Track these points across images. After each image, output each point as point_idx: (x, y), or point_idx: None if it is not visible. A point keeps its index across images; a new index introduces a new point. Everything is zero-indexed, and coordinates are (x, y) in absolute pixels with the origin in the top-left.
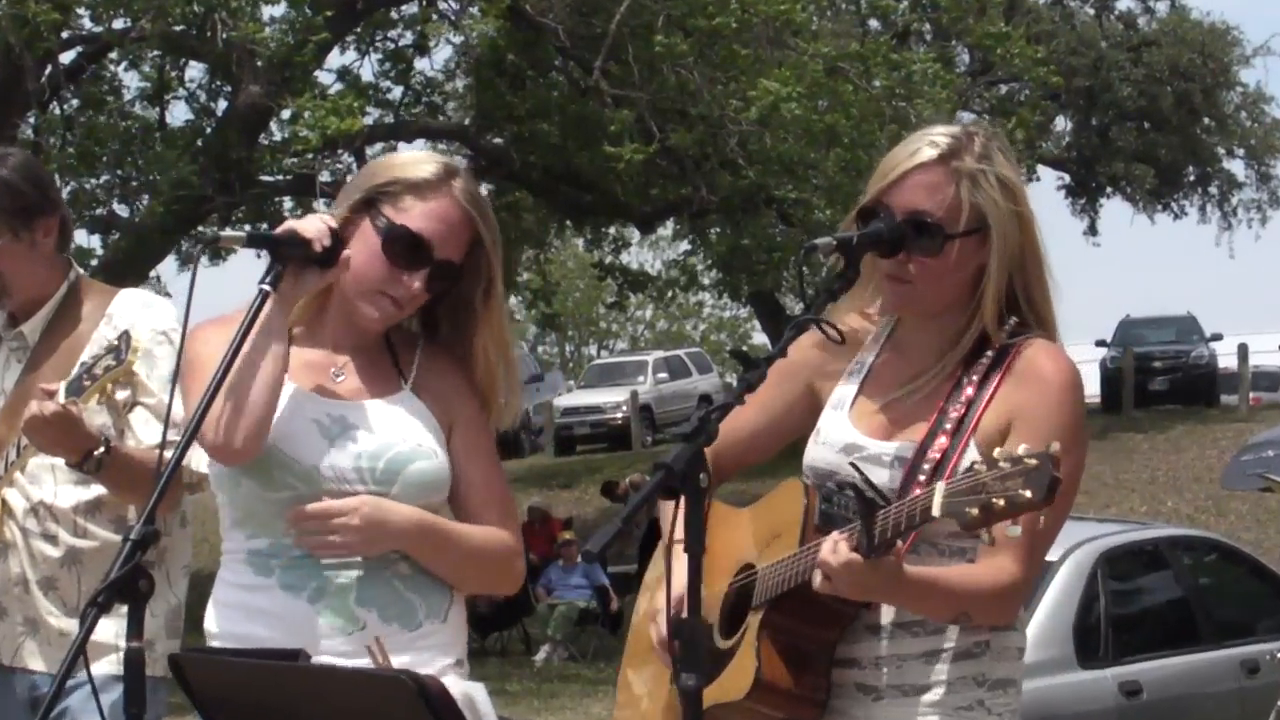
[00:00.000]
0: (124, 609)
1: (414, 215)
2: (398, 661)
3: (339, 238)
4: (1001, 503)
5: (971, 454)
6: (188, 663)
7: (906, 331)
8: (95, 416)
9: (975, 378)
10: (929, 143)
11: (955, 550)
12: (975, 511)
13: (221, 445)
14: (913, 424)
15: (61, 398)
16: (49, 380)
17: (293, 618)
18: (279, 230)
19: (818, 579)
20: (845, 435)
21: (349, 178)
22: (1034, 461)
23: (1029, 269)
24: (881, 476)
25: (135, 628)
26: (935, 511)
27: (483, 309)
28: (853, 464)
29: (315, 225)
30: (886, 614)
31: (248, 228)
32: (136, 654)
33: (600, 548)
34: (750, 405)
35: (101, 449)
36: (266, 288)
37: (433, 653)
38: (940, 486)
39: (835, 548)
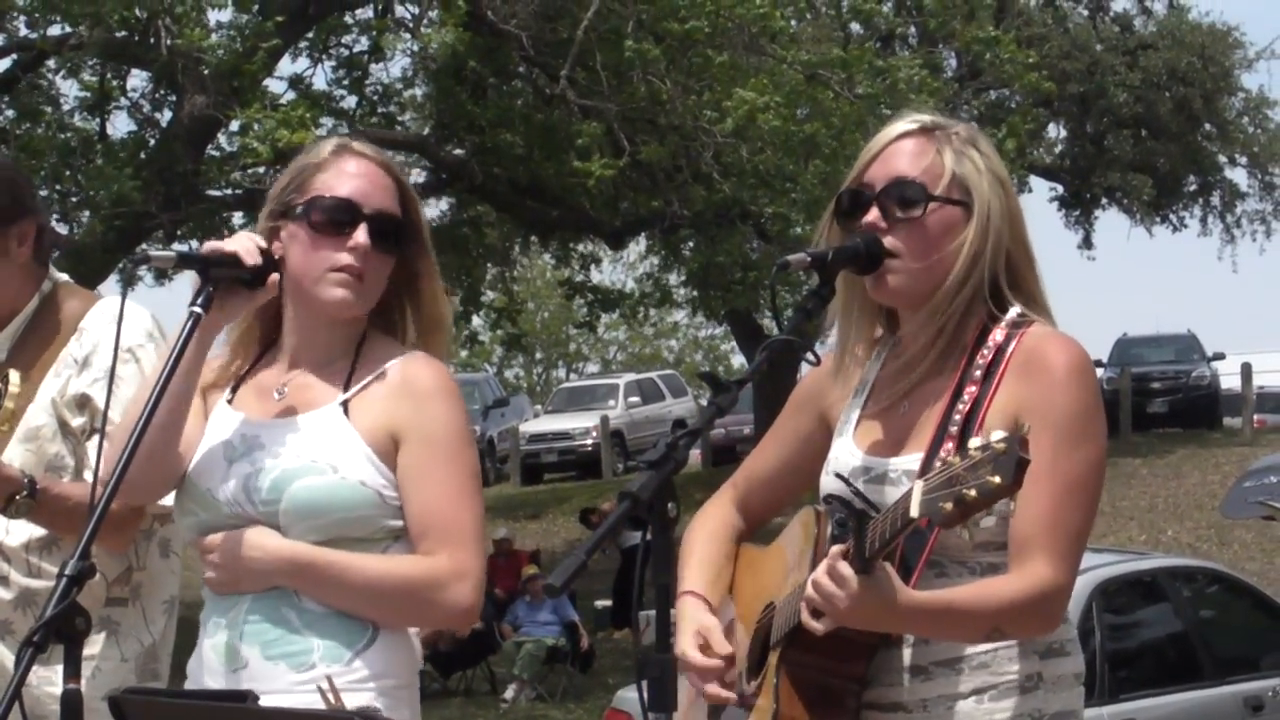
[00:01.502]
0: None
1: (328, 183)
2: (282, 702)
3: (270, 256)
4: (973, 493)
5: None
6: (128, 705)
7: (904, 342)
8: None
9: (978, 374)
10: (910, 119)
11: (987, 567)
12: (949, 506)
13: (101, 483)
14: (919, 434)
15: None
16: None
17: (200, 651)
18: (206, 249)
19: (804, 613)
20: (851, 459)
21: None
22: (1002, 445)
23: (1017, 255)
24: (894, 495)
25: (72, 668)
26: (914, 512)
27: (424, 263)
28: (839, 475)
29: (243, 243)
30: (921, 653)
31: (176, 246)
32: (73, 696)
33: (563, 582)
34: (770, 443)
35: (24, 493)
36: (198, 310)
37: (320, 697)
38: (919, 485)
39: (831, 569)
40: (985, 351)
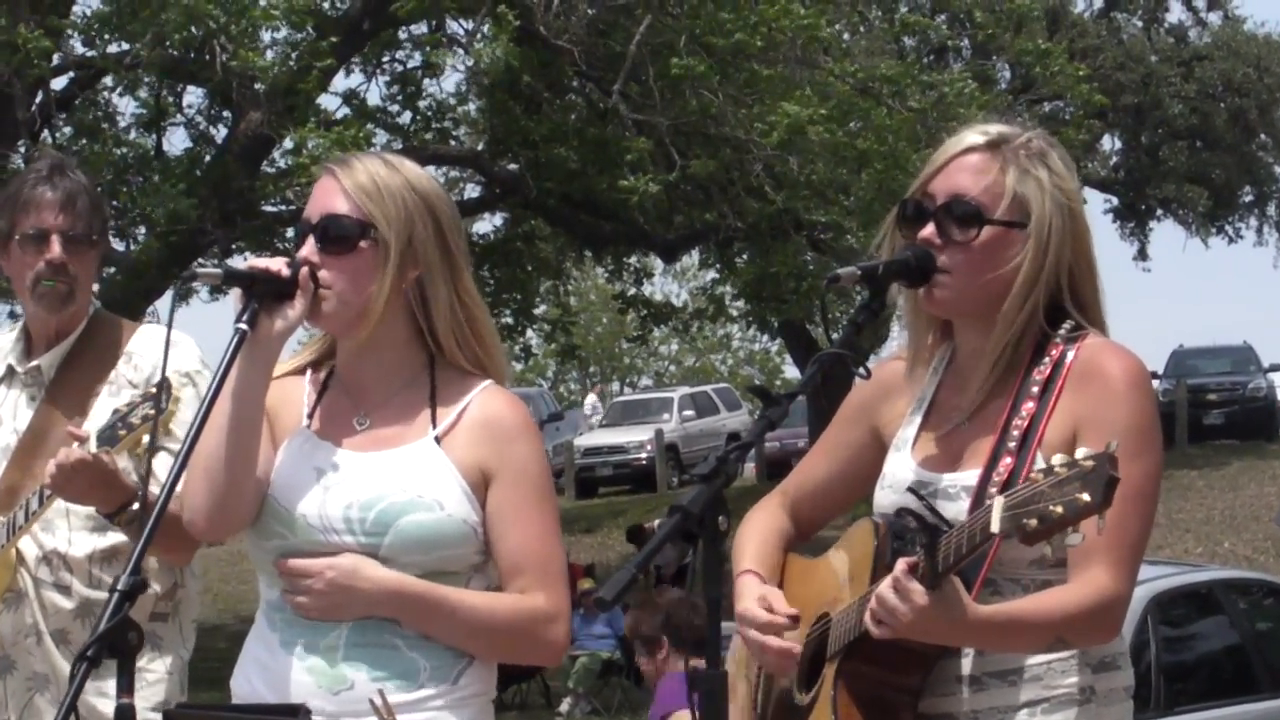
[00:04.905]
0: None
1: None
2: None
3: (298, 266)
4: (1059, 510)
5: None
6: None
7: (963, 358)
8: (117, 461)
9: (1035, 389)
10: (979, 131)
11: (1040, 584)
12: (1034, 523)
13: (189, 523)
14: (977, 450)
15: (93, 446)
16: (65, 421)
17: (283, 673)
18: (248, 265)
19: (868, 619)
20: (909, 474)
21: None
22: (1090, 463)
23: (1079, 270)
24: (952, 510)
25: (125, 683)
26: (994, 527)
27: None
28: (911, 489)
29: (279, 261)
30: (978, 663)
31: (226, 262)
32: (127, 711)
33: (615, 595)
34: (820, 453)
35: (137, 505)
36: (244, 327)
37: (433, 714)
38: (999, 501)
39: (897, 582)
40: (1042, 367)
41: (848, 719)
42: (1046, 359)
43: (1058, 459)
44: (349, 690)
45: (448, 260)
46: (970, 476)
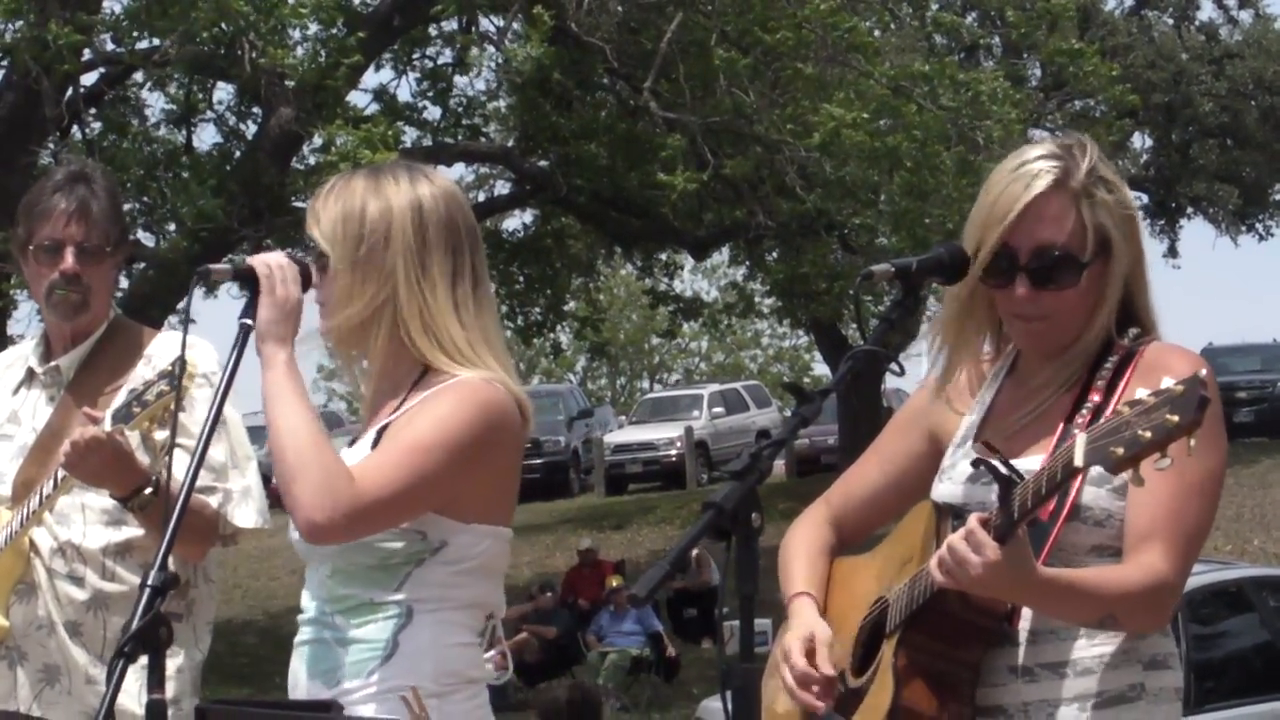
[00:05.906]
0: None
1: None
2: None
3: (304, 265)
4: (1148, 434)
5: None
6: (214, 715)
7: (1027, 364)
8: (130, 442)
9: (1101, 384)
10: (1041, 171)
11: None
12: (1120, 450)
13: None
14: (1042, 440)
15: (108, 424)
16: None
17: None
18: (251, 261)
19: (933, 564)
20: (970, 464)
21: None
22: (1180, 388)
23: (1139, 269)
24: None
25: (156, 678)
26: (1078, 461)
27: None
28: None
29: (279, 257)
30: (1029, 654)
31: (235, 258)
32: (157, 706)
33: (648, 591)
34: (871, 460)
35: (150, 489)
36: (247, 322)
37: (352, 708)
38: (1082, 436)
39: (970, 534)
40: (1108, 365)
41: (910, 688)
42: (1113, 358)
43: (1142, 391)
44: (296, 688)
45: (418, 269)
46: (1035, 461)
